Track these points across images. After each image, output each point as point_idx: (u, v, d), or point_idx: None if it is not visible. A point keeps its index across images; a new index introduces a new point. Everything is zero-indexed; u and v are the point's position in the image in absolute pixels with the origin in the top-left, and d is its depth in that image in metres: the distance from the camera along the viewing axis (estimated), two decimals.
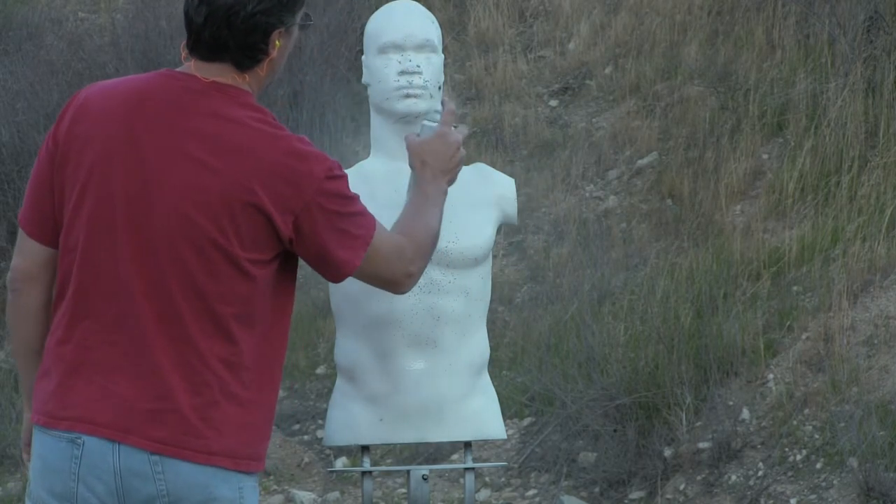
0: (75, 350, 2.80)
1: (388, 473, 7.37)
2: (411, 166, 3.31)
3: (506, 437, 4.27)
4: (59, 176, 2.84)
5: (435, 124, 3.37)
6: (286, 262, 2.89)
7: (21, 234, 2.93)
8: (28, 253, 2.91)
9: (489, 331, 4.15)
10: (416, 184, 3.19)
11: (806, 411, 6.70)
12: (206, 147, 2.77)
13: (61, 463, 2.78)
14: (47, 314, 2.91)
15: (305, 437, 7.95)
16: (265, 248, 2.81)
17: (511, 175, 4.38)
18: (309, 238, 2.84)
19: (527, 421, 7.52)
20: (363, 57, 4.07)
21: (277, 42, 2.85)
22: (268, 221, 2.78)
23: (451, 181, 3.25)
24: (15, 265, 2.92)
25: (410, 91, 3.92)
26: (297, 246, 2.85)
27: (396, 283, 3.02)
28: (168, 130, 2.78)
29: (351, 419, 3.97)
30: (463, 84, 10.32)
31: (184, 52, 2.88)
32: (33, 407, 2.87)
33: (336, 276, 2.92)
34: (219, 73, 2.84)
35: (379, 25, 4.02)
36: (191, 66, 2.86)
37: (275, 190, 2.78)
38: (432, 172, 3.18)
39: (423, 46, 3.96)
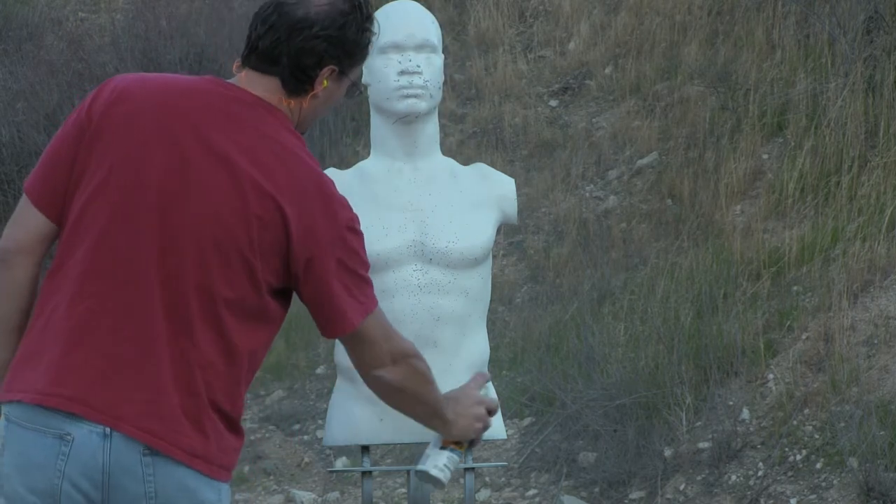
0: (75, 331, 2.75)
1: (388, 473, 7.37)
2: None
3: (506, 437, 4.27)
4: (86, 153, 2.78)
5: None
6: (285, 298, 2.88)
7: (25, 204, 2.82)
8: (30, 224, 2.81)
9: (489, 331, 4.15)
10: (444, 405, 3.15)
11: (806, 411, 6.71)
12: (250, 161, 2.76)
13: (46, 459, 2.72)
14: (33, 290, 2.82)
15: (305, 437, 7.95)
16: (277, 275, 2.80)
17: (511, 175, 4.38)
18: (317, 282, 2.82)
19: (527, 421, 7.52)
20: None
21: (325, 81, 2.84)
22: (287, 249, 2.78)
23: (463, 433, 3.19)
24: (11, 235, 2.82)
25: (410, 91, 3.92)
26: (302, 285, 2.83)
27: (366, 369, 2.95)
28: (214, 136, 2.76)
29: (351, 419, 3.97)
30: (463, 84, 10.32)
31: (235, 66, 2.87)
32: (14, 387, 2.76)
33: (333, 329, 2.89)
34: (266, 90, 2.83)
35: (379, 26, 4.02)
36: (240, 79, 2.85)
37: (303, 221, 2.77)
38: (454, 412, 3.15)
39: (423, 46, 3.96)
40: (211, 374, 2.77)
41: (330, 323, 2.88)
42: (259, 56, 2.83)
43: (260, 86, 2.83)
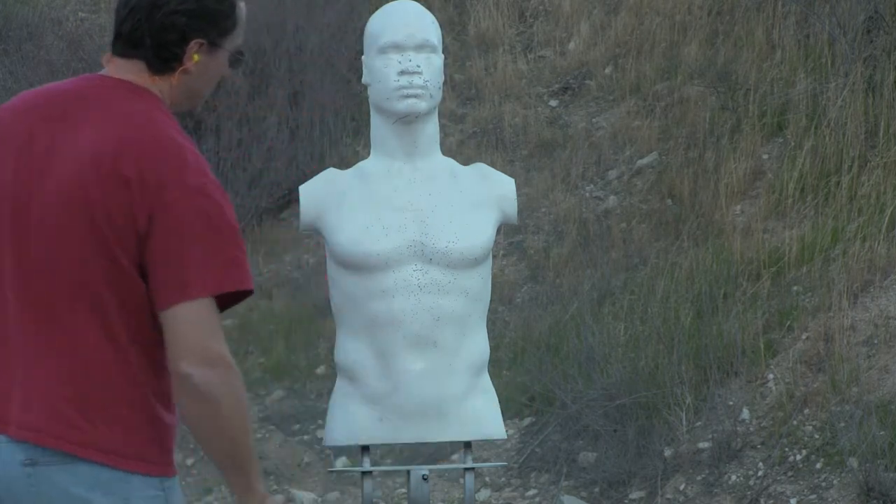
0: None
1: (388, 473, 7.37)
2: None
3: (506, 436, 4.27)
4: None
5: None
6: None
7: None
8: None
9: (489, 331, 4.15)
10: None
11: (806, 411, 6.71)
12: (95, 138, 2.71)
13: None
14: None
15: (305, 437, 7.95)
16: (131, 245, 2.67)
17: (511, 175, 4.38)
18: (163, 238, 2.63)
19: (527, 421, 7.52)
20: (363, 57, 4.07)
21: (196, 56, 2.79)
22: (132, 214, 2.66)
23: None
24: None
25: (410, 91, 3.93)
26: (148, 244, 2.66)
27: (176, 359, 2.64)
28: (64, 121, 2.74)
29: (351, 419, 3.98)
30: (463, 84, 10.32)
31: (105, 58, 2.85)
32: None
33: (170, 295, 2.64)
34: (131, 73, 2.80)
35: (379, 25, 4.02)
36: (109, 68, 2.83)
37: (146, 183, 2.66)
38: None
39: (423, 46, 3.96)
40: (95, 359, 2.67)
41: (170, 286, 2.66)
42: (124, 41, 2.81)
43: (126, 70, 2.80)
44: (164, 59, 2.79)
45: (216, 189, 2.70)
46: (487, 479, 7.33)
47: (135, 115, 2.73)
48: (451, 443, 6.78)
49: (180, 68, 2.79)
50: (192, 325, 2.63)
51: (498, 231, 4.10)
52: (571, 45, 10.36)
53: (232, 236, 2.69)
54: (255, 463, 2.71)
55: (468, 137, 9.81)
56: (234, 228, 2.70)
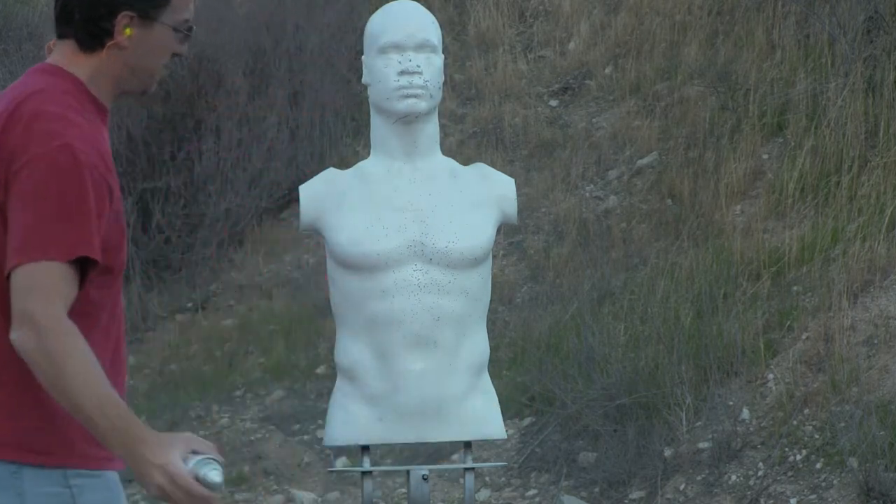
0: None
1: (388, 473, 7.37)
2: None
3: (506, 436, 4.27)
4: None
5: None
6: None
7: None
8: None
9: (489, 331, 4.16)
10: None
11: (806, 411, 6.71)
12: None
13: None
14: None
15: (305, 437, 7.95)
16: (1, 221, 2.59)
17: (511, 175, 4.38)
18: (10, 205, 2.56)
19: (527, 421, 7.52)
20: (363, 57, 4.08)
21: (128, 30, 2.68)
22: None
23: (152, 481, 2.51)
24: None
25: (410, 91, 3.93)
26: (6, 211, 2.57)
27: (14, 319, 2.52)
28: None
29: (351, 419, 3.98)
30: (463, 84, 10.32)
31: (47, 46, 2.79)
32: None
33: (8, 260, 2.54)
34: (63, 55, 2.72)
35: (379, 25, 4.02)
36: (50, 56, 2.77)
37: (2, 151, 2.58)
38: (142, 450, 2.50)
39: (423, 46, 3.97)
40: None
41: (9, 250, 2.55)
42: (57, 21, 2.72)
43: (59, 52, 2.73)
44: (93, 34, 2.68)
45: (65, 154, 2.55)
46: (487, 479, 7.33)
47: (19, 95, 2.65)
48: (451, 443, 6.78)
49: (110, 43, 2.69)
50: (16, 290, 2.51)
51: (498, 231, 4.10)
52: (571, 45, 10.36)
53: (67, 203, 2.54)
54: (109, 427, 2.46)
55: (468, 137, 9.82)
56: (75, 195, 2.55)
